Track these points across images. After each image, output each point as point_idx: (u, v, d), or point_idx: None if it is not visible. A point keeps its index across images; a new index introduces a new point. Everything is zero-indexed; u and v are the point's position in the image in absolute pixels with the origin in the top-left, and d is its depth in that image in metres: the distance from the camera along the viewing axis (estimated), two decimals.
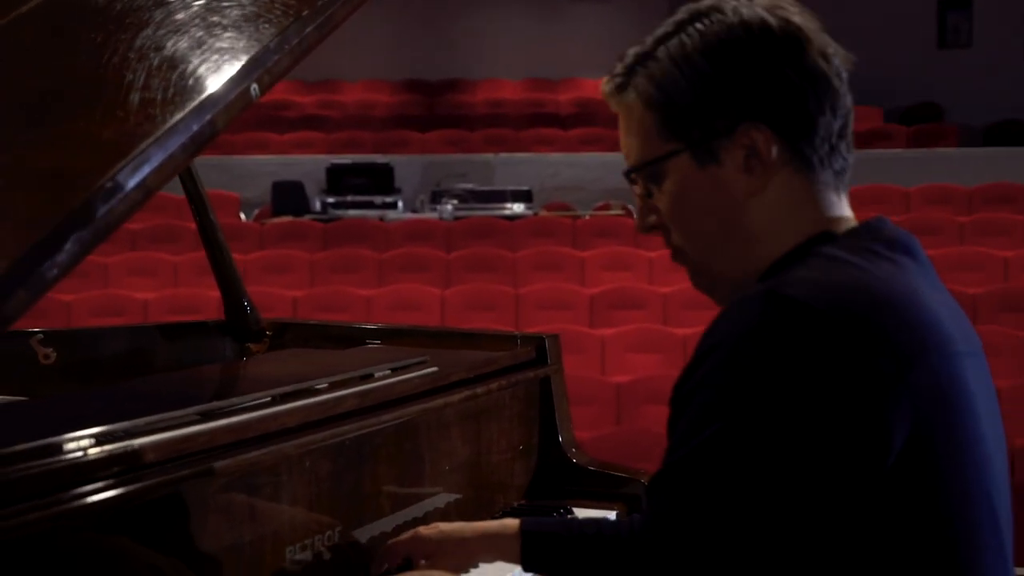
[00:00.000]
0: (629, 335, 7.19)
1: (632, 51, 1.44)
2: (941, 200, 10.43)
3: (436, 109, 14.51)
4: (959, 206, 10.24)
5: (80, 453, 1.44)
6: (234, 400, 1.73)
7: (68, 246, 1.32)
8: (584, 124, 13.19)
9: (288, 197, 10.84)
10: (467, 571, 1.87)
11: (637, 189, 1.48)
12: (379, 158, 11.75)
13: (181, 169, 1.79)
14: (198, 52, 1.58)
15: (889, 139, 12.96)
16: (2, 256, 1.27)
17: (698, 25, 1.39)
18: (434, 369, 2.08)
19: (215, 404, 1.70)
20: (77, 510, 1.39)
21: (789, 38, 1.37)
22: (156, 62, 1.56)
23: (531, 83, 15.23)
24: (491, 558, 1.86)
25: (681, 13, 1.41)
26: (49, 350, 2.40)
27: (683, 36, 1.39)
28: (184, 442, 1.56)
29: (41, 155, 1.44)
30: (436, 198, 10.85)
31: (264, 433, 1.68)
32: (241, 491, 1.64)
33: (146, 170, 1.41)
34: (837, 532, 1.23)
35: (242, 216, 10.72)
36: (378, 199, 10.98)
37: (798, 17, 1.39)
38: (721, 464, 1.24)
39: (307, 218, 10.29)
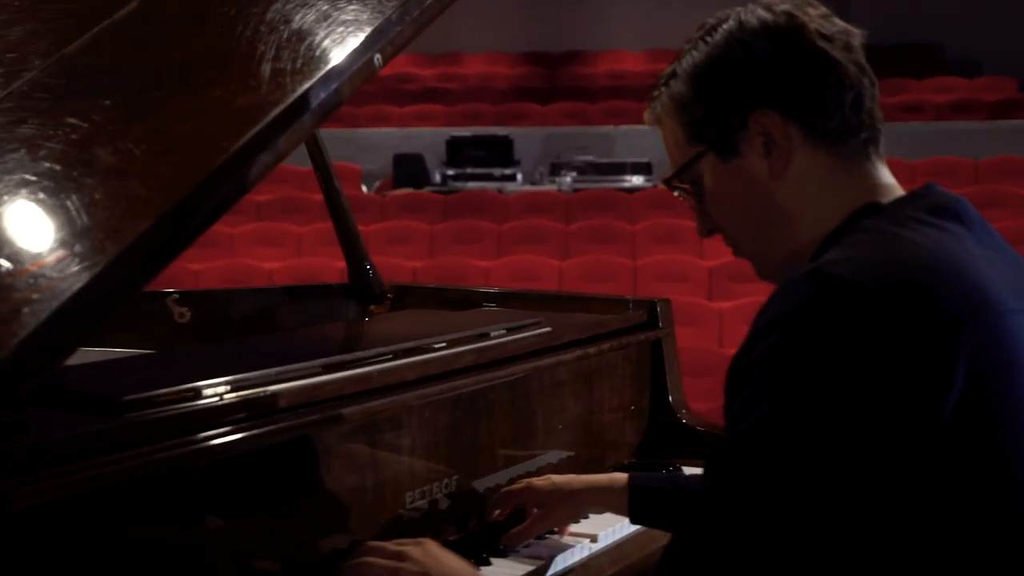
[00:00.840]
0: (747, 308, 7.16)
1: (662, 75, 1.56)
2: None
3: (556, 81, 14.56)
4: None
5: (216, 398, 1.55)
6: (358, 354, 1.83)
7: (206, 206, 1.43)
8: None
9: (409, 169, 11.01)
10: (576, 521, 1.95)
11: (689, 201, 1.57)
12: (499, 130, 11.86)
13: (308, 136, 1.89)
14: (324, 24, 1.67)
15: None
16: (149, 214, 1.38)
17: (707, 38, 1.50)
18: (548, 329, 2.16)
19: (341, 357, 1.80)
20: (211, 450, 1.49)
21: (785, 28, 1.46)
22: (285, 34, 1.65)
23: (652, 55, 15.17)
24: (600, 509, 1.94)
25: (696, 31, 1.53)
26: (184, 309, 2.54)
27: (693, 52, 1.51)
28: (313, 390, 1.66)
29: (182, 121, 1.55)
30: (555, 170, 10.92)
31: (386, 385, 1.77)
32: (365, 438, 1.74)
33: (277, 136, 1.52)
34: (893, 495, 1.25)
35: (364, 188, 10.92)
36: (497, 171, 11.10)
37: (798, 9, 1.48)
38: (770, 443, 1.25)
39: (427, 190, 10.45)
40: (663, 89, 1.54)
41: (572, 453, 2.21)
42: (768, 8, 1.48)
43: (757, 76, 1.46)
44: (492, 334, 2.07)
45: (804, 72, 1.45)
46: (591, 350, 2.22)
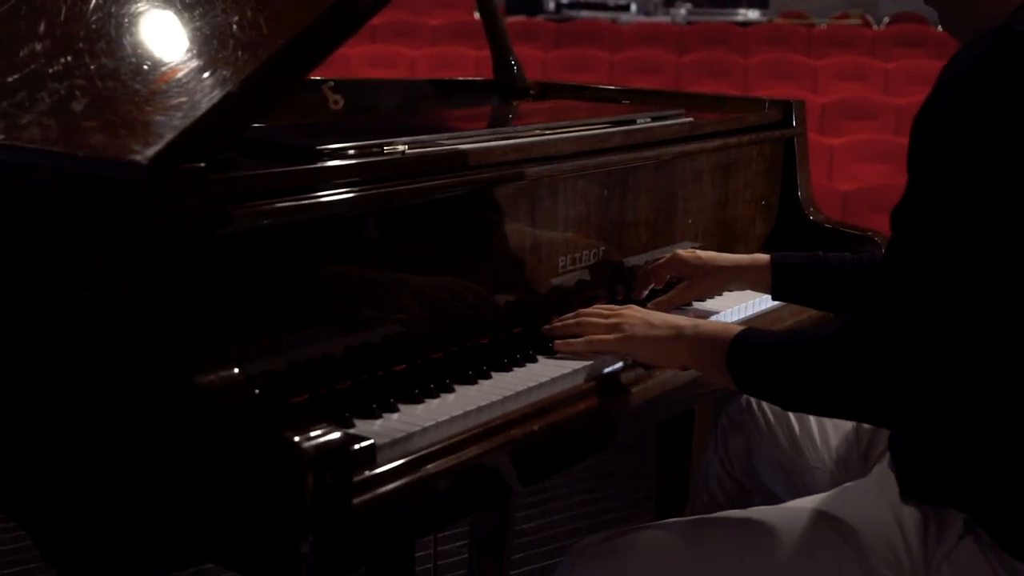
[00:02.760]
0: (858, 145, 7.15)
1: None
2: None
3: None
4: None
5: (399, 153, 1.69)
6: (519, 128, 1.96)
7: None
8: None
9: None
10: (714, 296, 2.07)
11: None
12: None
13: None
14: None
15: None
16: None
17: None
18: (690, 119, 2.26)
19: (504, 129, 1.93)
20: (392, 196, 1.64)
21: None
22: None
23: None
24: (741, 286, 2.06)
25: None
26: (338, 97, 2.66)
27: None
28: (484, 153, 1.79)
29: None
30: (670, 1, 10.83)
31: (546, 155, 1.90)
32: (526, 202, 1.87)
33: None
34: None
35: (476, 15, 10.92)
36: (611, 1, 11.03)
37: None
38: (953, 186, 1.36)
39: (540, 18, 10.45)
40: None
41: (701, 244, 2.32)
42: None
43: None
44: (638, 121, 2.18)
45: None
46: (731, 141, 2.32)
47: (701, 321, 1.76)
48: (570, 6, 10.96)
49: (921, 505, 1.55)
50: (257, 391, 1.36)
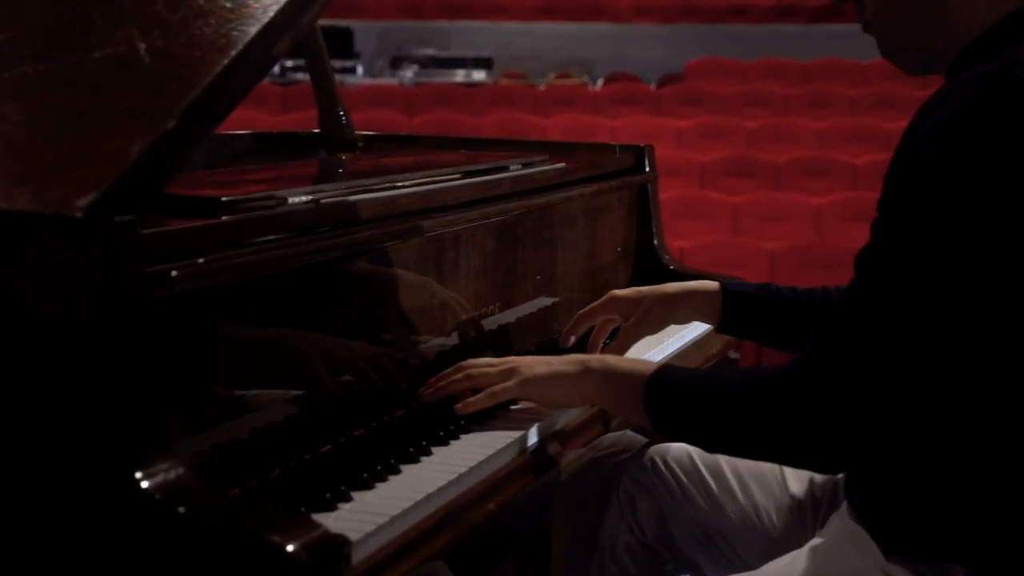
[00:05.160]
0: None
1: None
2: None
3: None
4: None
5: (311, 204, 1.49)
6: (407, 176, 1.78)
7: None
8: None
9: None
10: (664, 328, 1.91)
11: None
12: (338, 22, 11.61)
13: None
14: None
15: None
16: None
17: None
18: (562, 164, 2.14)
19: (397, 177, 1.74)
20: (300, 254, 1.43)
21: None
22: None
23: None
24: (688, 315, 1.91)
25: None
26: None
27: None
28: (389, 203, 1.61)
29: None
30: (396, 64, 10.78)
31: (445, 204, 1.73)
32: (431, 255, 1.70)
33: None
34: None
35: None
36: (337, 63, 10.87)
37: None
38: (930, 242, 1.26)
39: (266, 81, 10.17)
40: None
41: (566, 297, 2.19)
42: None
43: None
44: (511, 167, 2.04)
45: None
46: (603, 186, 2.21)
47: (607, 356, 1.65)
48: (294, 69, 10.71)
49: (909, 561, 1.45)
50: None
